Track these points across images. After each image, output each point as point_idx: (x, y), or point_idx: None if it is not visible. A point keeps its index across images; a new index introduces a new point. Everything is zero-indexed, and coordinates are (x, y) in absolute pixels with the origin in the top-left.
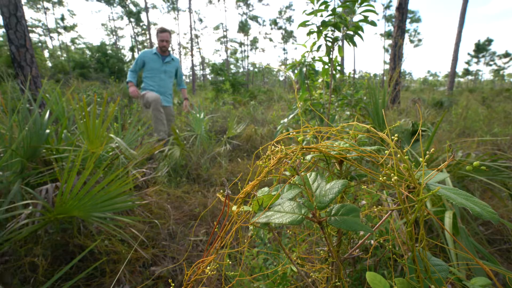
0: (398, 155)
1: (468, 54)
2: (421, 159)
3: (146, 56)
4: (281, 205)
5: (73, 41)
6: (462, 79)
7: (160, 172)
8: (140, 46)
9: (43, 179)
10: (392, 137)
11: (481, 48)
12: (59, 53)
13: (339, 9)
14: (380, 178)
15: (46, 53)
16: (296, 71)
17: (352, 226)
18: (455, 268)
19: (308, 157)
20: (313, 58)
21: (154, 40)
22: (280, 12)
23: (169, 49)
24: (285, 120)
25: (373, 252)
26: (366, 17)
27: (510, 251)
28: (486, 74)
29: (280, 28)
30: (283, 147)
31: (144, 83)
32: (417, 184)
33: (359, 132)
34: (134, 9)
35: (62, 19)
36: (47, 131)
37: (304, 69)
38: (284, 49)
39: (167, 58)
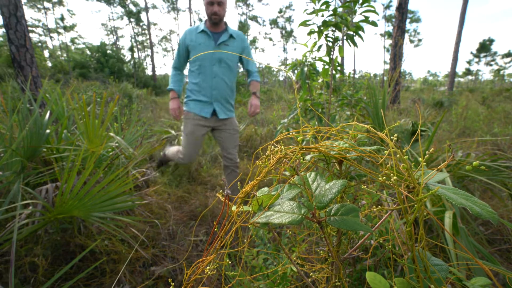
0: (398, 155)
1: (471, 53)
2: (420, 159)
3: (189, 37)
4: (281, 205)
5: (73, 41)
6: (462, 79)
7: (162, 173)
8: (140, 46)
9: (43, 179)
10: (392, 137)
11: (483, 48)
12: (59, 53)
13: (340, 9)
14: (380, 178)
15: (46, 53)
16: (296, 71)
17: (351, 226)
18: (455, 268)
19: (308, 157)
20: (314, 58)
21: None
22: (280, 11)
23: (225, 20)
24: (285, 120)
25: (373, 252)
26: (367, 17)
27: (510, 251)
28: (486, 74)
29: (279, 28)
30: (282, 147)
31: (187, 87)
32: (417, 184)
33: (359, 132)
34: (134, 9)
35: (62, 19)
36: (47, 131)
37: (306, 68)
38: (284, 49)
39: (223, 36)
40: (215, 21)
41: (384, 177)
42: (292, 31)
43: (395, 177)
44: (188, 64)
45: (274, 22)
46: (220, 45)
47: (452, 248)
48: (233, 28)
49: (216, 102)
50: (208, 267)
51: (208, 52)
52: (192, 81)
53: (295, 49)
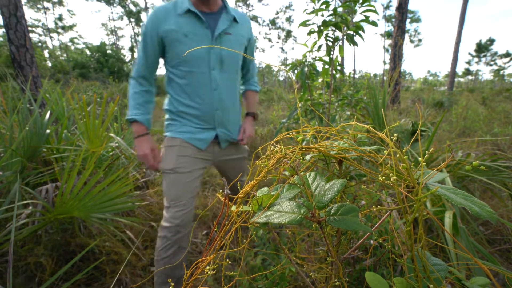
0: (397, 155)
1: (469, 54)
2: (420, 159)
3: (164, 23)
4: (280, 205)
5: (72, 41)
6: (462, 79)
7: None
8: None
9: (43, 179)
10: (392, 136)
11: (482, 48)
12: (58, 53)
13: (340, 9)
14: (380, 178)
15: (46, 53)
16: (296, 71)
17: (351, 226)
18: (455, 268)
19: (308, 157)
20: (314, 58)
21: None
22: (277, 13)
23: None
24: (285, 120)
25: (373, 252)
26: (367, 17)
27: (510, 251)
28: (486, 74)
29: (278, 28)
30: (282, 147)
31: (168, 105)
32: (416, 183)
33: (358, 132)
34: (134, 9)
35: (60, 18)
36: (47, 131)
37: (306, 68)
38: (282, 49)
39: (223, 20)
40: None
41: (383, 177)
42: (290, 31)
43: (394, 177)
44: (164, 69)
45: (272, 23)
46: (220, 35)
47: (452, 248)
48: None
49: (220, 128)
50: (208, 267)
51: (203, 47)
52: (178, 99)
53: (292, 49)
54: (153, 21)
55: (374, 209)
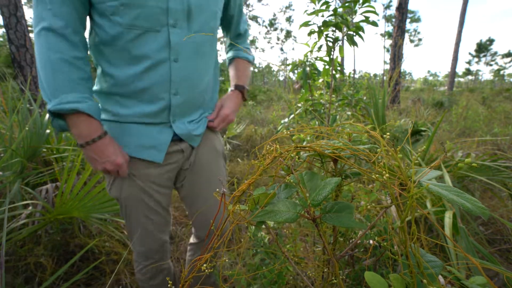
0: (390, 153)
1: (469, 54)
2: (414, 156)
3: None
4: (276, 203)
5: None
6: (462, 79)
7: None
8: None
9: (43, 179)
10: (384, 135)
11: (482, 48)
12: None
13: (340, 9)
14: (373, 176)
15: None
16: (297, 72)
17: (345, 223)
18: (454, 267)
19: (303, 156)
20: (316, 58)
21: None
22: (274, 14)
23: None
24: (286, 120)
25: (372, 252)
26: (367, 17)
27: (510, 251)
28: (486, 74)
29: (276, 29)
30: (277, 146)
31: (100, 88)
32: (408, 181)
33: (355, 132)
34: None
35: None
36: (47, 131)
37: (307, 68)
38: (282, 49)
39: None
40: None
41: (377, 175)
42: (289, 32)
43: (387, 175)
44: (95, 26)
45: (270, 25)
46: None
47: (452, 247)
48: None
49: (180, 120)
50: (205, 265)
51: None
52: (116, 73)
53: (293, 49)
54: None
55: (369, 206)
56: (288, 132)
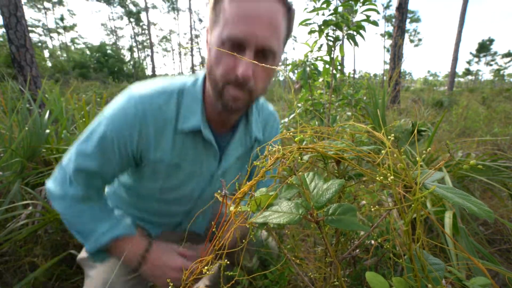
0: (395, 155)
1: (470, 53)
2: (418, 158)
3: (146, 136)
4: (279, 205)
5: (73, 41)
6: (462, 79)
7: None
8: (140, 46)
9: (43, 179)
10: (389, 137)
11: (483, 48)
12: (59, 53)
13: (341, 8)
14: (377, 178)
15: (46, 53)
16: (297, 72)
17: (348, 225)
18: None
19: (306, 157)
20: (316, 58)
21: (155, 40)
22: None
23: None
24: (286, 120)
25: (374, 253)
26: (368, 16)
27: (510, 251)
28: (486, 74)
29: None
30: (280, 147)
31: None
32: (414, 183)
33: (357, 132)
34: (134, 9)
35: (62, 19)
36: (47, 131)
37: (308, 68)
38: None
39: (235, 143)
40: (235, 107)
41: (381, 177)
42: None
43: (392, 177)
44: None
45: None
46: (227, 170)
47: (452, 248)
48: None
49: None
50: (206, 267)
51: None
52: (130, 210)
53: (293, 49)
54: (124, 128)
55: (373, 209)
56: (290, 133)
